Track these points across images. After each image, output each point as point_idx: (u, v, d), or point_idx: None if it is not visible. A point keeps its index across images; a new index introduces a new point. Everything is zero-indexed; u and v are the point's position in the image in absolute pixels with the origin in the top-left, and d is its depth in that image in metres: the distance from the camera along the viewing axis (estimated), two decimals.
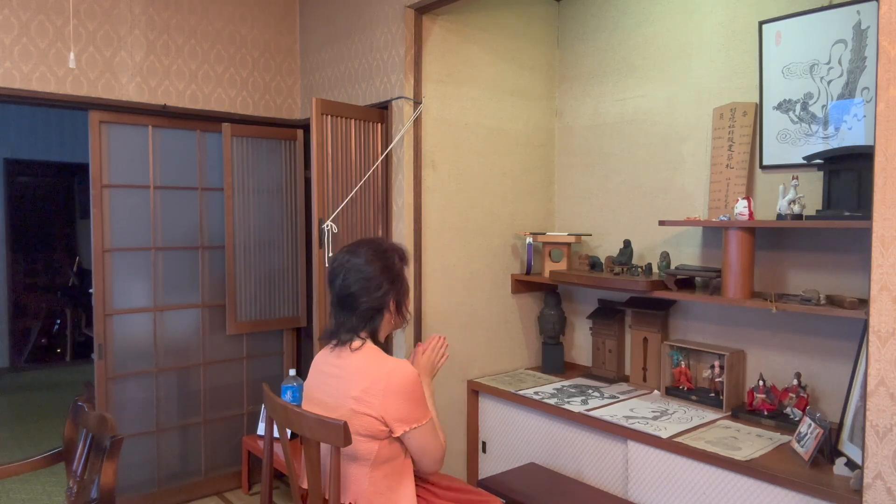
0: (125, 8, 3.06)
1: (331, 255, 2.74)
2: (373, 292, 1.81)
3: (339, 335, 1.84)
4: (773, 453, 2.10)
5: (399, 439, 1.78)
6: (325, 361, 1.88)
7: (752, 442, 2.20)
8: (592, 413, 2.52)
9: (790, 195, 2.29)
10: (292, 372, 3.46)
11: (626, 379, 2.99)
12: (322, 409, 1.80)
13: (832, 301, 2.21)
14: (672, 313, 2.90)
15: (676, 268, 2.64)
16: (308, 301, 3.63)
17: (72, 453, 2.11)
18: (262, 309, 3.53)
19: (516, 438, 2.86)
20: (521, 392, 2.83)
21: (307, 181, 3.56)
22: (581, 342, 3.33)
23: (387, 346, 2.98)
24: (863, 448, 1.65)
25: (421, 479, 1.95)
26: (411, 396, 1.75)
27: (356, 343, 1.81)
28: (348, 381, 1.77)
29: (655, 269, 2.75)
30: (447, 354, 2.06)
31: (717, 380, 2.60)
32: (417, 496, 1.86)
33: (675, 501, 2.22)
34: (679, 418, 2.45)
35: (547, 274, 3.13)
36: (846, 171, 2.17)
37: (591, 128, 3.24)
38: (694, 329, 2.83)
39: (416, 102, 2.85)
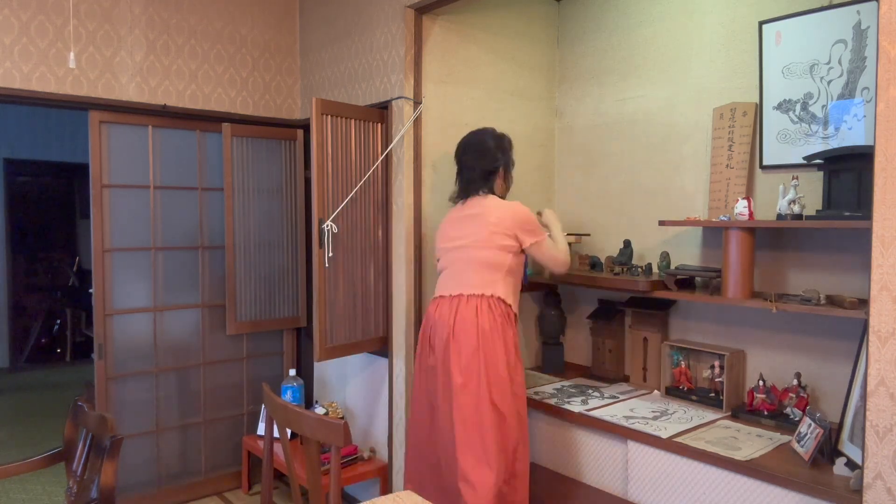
0: (125, 8, 3.06)
1: (331, 255, 2.76)
2: (489, 159, 2.52)
3: (469, 191, 2.53)
4: (773, 453, 2.10)
5: (524, 253, 2.49)
6: (459, 212, 2.54)
7: (752, 442, 2.20)
8: (592, 413, 2.52)
9: (790, 195, 2.29)
10: (292, 372, 3.47)
11: (626, 379, 2.99)
12: (461, 238, 2.46)
13: (832, 301, 2.21)
14: (672, 313, 2.90)
15: (676, 268, 2.64)
16: (308, 301, 3.63)
17: (72, 453, 2.11)
18: (262, 309, 3.53)
19: None
20: None
21: (307, 181, 3.56)
22: (581, 342, 3.33)
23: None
24: (863, 448, 1.65)
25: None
26: (531, 222, 2.48)
27: (484, 192, 2.51)
28: (487, 215, 2.44)
29: (655, 269, 2.75)
30: None
31: (717, 380, 2.60)
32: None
33: (675, 501, 2.22)
34: (679, 418, 2.45)
35: (547, 274, 3.13)
36: (846, 171, 2.17)
37: (591, 128, 3.24)
38: (694, 329, 2.83)
39: (416, 102, 2.85)
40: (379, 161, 2.95)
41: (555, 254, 2.54)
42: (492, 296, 2.39)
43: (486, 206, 2.48)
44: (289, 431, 1.88)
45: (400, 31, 2.85)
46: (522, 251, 2.49)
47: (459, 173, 2.59)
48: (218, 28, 3.34)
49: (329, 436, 1.69)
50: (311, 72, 3.52)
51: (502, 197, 2.58)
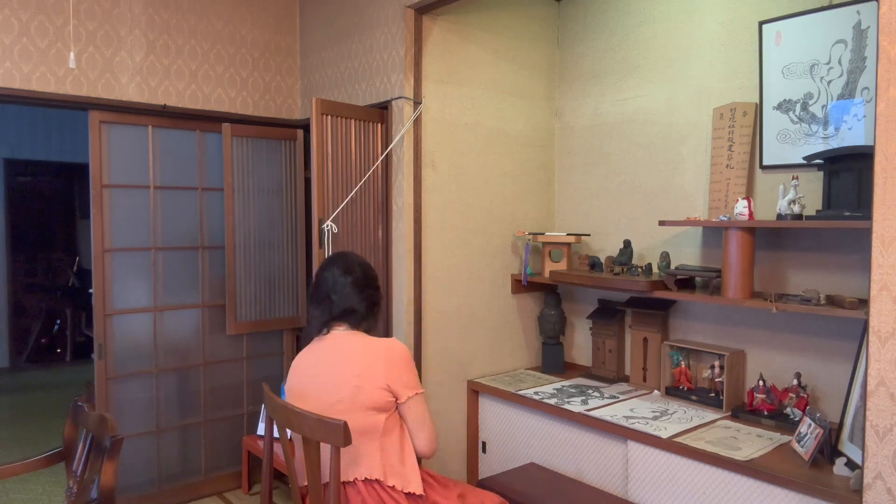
0: (125, 8, 3.06)
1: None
2: (372, 288, 2.05)
3: (330, 324, 1.99)
4: (773, 453, 2.10)
5: (398, 411, 1.92)
6: (313, 353, 2.00)
7: (752, 442, 2.20)
8: (592, 413, 2.52)
9: (790, 195, 2.29)
10: None
11: (626, 379, 2.99)
12: (319, 397, 1.89)
13: (832, 301, 2.21)
14: (672, 313, 2.90)
15: (676, 268, 2.64)
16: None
17: (72, 453, 2.11)
18: (262, 309, 3.53)
19: (516, 438, 2.86)
20: (521, 392, 2.83)
21: (307, 181, 3.56)
22: (581, 342, 3.33)
23: None
24: (863, 448, 1.65)
25: (423, 470, 1.97)
26: (409, 366, 1.95)
27: (361, 329, 2.01)
28: (348, 361, 1.91)
29: (655, 269, 2.75)
30: None
31: (717, 380, 2.60)
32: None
33: (675, 501, 2.22)
34: (679, 418, 2.45)
35: (547, 274, 3.13)
36: (846, 171, 2.17)
37: (591, 128, 3.24)
38: (694, 329, 2.83)
39: (416, 102, 2.85)
40: (379, 161, 2.95)
41: (430, 418, 1.98)
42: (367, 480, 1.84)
43: (350, 348, 1.94)
44: (289, 431, 1.88)
45: (400, 32, 2.85)
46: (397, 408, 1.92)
47: (319, 303, 2.01)
48: (218, 28, 3.34)
49: (329, 436, 1.69)
50: (312, 72, 3.52)
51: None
